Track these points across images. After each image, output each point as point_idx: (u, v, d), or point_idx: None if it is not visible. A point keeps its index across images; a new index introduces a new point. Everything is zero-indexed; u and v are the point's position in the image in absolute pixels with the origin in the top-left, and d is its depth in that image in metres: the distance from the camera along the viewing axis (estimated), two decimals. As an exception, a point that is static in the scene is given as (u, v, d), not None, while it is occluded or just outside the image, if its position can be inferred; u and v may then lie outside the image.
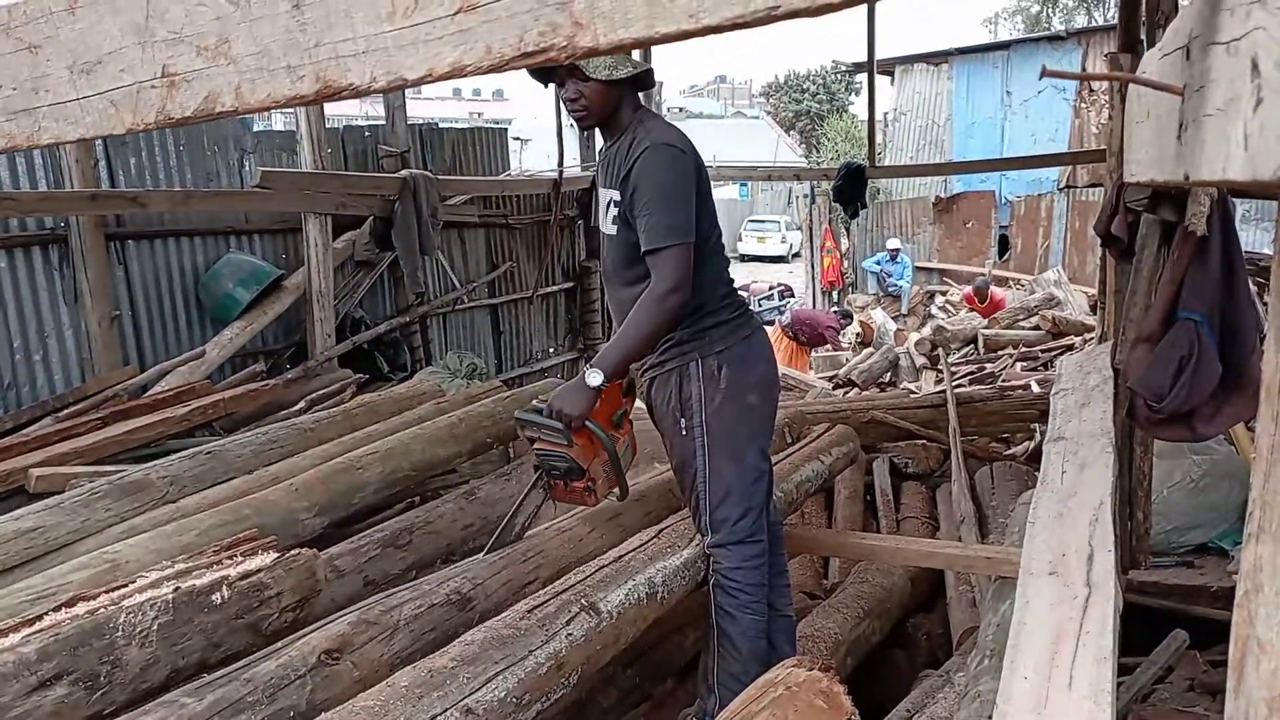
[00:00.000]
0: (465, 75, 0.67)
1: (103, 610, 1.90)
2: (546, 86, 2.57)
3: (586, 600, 2.19)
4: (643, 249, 2.44)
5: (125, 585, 2.01)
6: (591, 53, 0.64)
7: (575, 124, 2.64)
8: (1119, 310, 3.65)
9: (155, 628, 1.89)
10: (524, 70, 2.30)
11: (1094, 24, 24.00)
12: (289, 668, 1.77)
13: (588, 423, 2.41)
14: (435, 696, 1.69)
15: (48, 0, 0.78)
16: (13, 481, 3.93)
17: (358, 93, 0.69)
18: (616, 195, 2.51)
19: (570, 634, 2.07)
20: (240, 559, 2.18)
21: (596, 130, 2.64)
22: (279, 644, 1.88)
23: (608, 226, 2.59)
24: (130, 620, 1.88)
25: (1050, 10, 32.80)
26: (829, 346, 12.44)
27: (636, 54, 2.68)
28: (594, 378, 2.38)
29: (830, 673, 1.93)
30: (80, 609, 1.92)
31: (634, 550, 2.53)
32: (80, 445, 4.24)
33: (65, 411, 4.78)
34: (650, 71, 2.57)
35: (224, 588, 2.03)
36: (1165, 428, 2.84)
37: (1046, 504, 2.66)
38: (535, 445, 2.49)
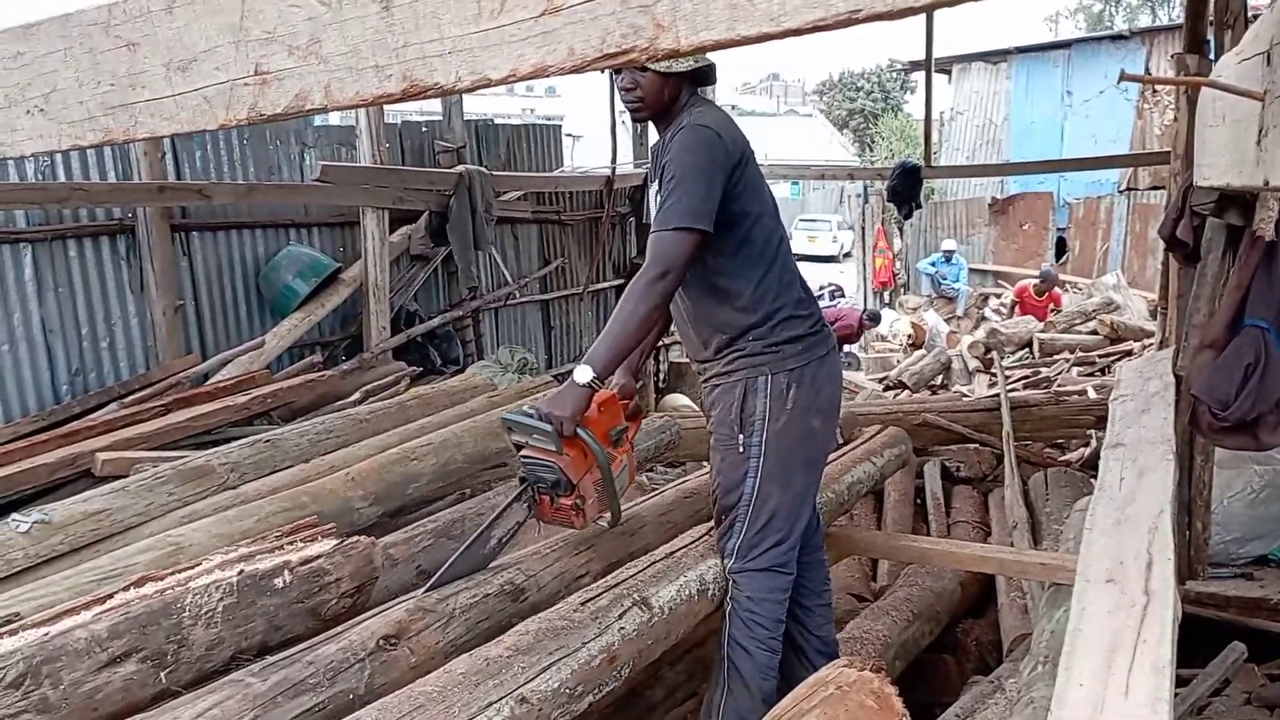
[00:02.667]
0: (548, 75, 0.68)
1: (170, 591, 1.96)
2: (603, 72, 2.52)
3: (639, 595, 2.20)
4: (651, 216, 2.33)
5: (192, 567, 2.07)
6: (672, 54, 0.65)
7: (629, 114, 2.53)
8: (1181, 316, 3.59)
9: (220, 609, 1.94)
10: None
11: (1158, 23, 23.50)
12: (349, 651, 1.81)
13: (581, 432, 2.22)
14: (491, 684, 1.72)
15: (146, 0, 0.82)
16: (79, 465, 4.05)
17: (443, 92, 0.71)
18: (658, 187, 2.40)
19: (623, 628, 2.08)
20: (301, 545, 2.23)
21: (651, 125, 2.55)
22: (339, 628, 1.92)
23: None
24: (197, 601, 1.93)
25: (1113, 8, 32.17)
26: (854, 345, 12.31)
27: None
28: (582, 374, 2.21)
29: (881, 674, 1.92)
30: (149, 589, 1.98)
31: (686, 547, 2.54)
32: (144, 431, 4.36)
33: (130, 398, 4.91)
34: (711, 67, 2.48)
35: (286, 572, 2.08)
36: (1229, 436, 2.79)
37: (1104, 510, 2.63)
38: (522, 453, 2.29)
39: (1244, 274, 2.67)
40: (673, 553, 2.48)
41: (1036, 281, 12.93)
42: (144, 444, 4.24)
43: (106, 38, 0.83)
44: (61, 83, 0.87)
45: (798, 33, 0.65)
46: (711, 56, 7.50)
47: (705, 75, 2.46)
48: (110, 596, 1.94)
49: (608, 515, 2.43)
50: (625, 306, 2.24)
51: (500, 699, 1.70)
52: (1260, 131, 0.78)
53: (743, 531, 2.47)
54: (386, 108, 6.18)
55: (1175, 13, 26.58)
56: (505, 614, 2.14)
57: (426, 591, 2.10)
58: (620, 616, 2.10)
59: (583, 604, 2.09)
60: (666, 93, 2.39)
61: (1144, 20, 27.61)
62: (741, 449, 2.45)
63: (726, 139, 2.32)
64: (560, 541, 2.44)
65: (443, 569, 2.19)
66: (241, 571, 2.04)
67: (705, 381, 2.59)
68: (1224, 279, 3.04)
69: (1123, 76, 1.34)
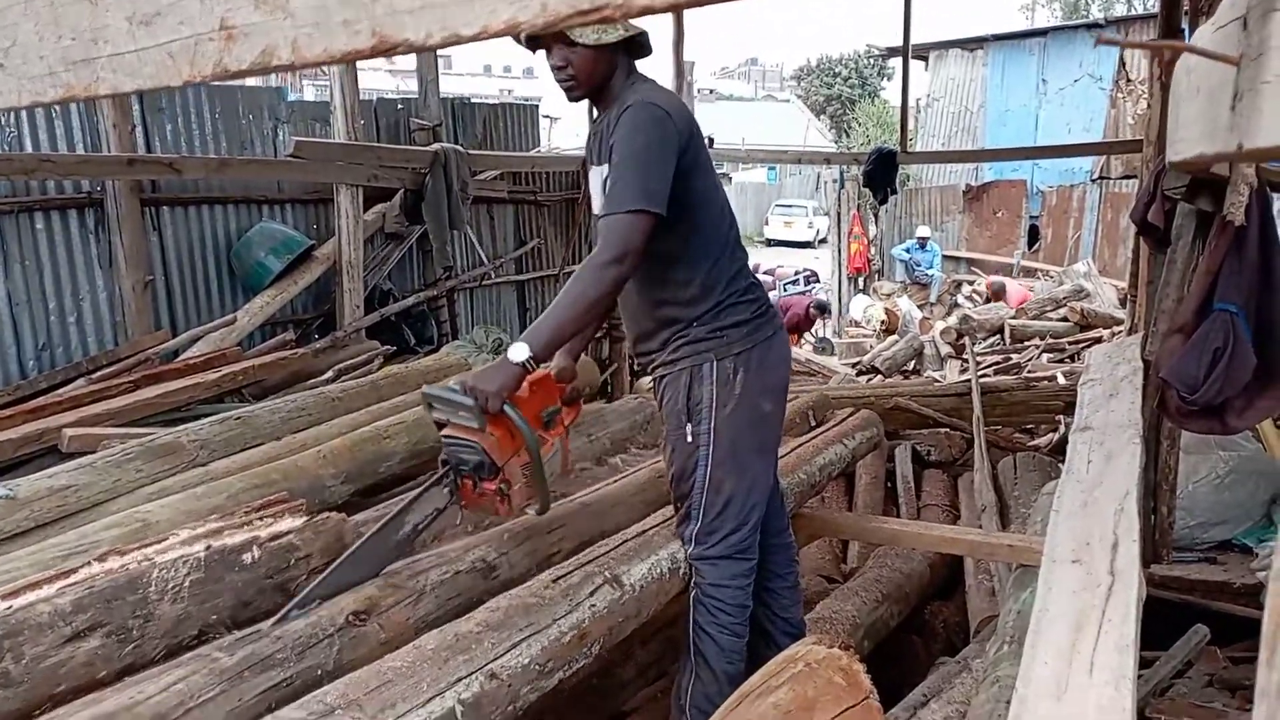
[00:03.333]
0: (520, 30, 0.67)
1: (136, 565, 1.94)
2: (535, 53, 2.30)
3: (610, 573, 2.20)
4: (597, 212, 2.21)
5: (158, 542, 2.05)
6: (647, 10, 0.64)
7: (565, 94, 2.34)
8: (1151, 302, 3.62)
9: (187, 584, 1.92)
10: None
11: (1134, 13, 23.67)
12: (318, 627, 1.80)
13: (508, 409, 2.06)
14: (461, 660, 1.72)
15: (109, -48, 0.80)
16: (46, 441, 4.00)
17: (412, 48, 0.70)
18: (607, 171, 2.27)
19: (593, 605, 2.09)
20: (271, 520, 2.21)
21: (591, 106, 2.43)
22: (308, 604, 1.91)
23: (599, 209, 2.33)
24: (163, 576, 1.91)
25: (1089, -2, 32.32)
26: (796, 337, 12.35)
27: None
28: (517, 351, 2.06)
29: (850, 651, 1.94)
30: (114, 564, 1.95)
31: (657, 526, 2.54)
32: (112, 407, 4.30)
33: (98, 374, 4.85)
34: (645, 36, 2.33)
35: (255, 548, 2.07)
36: (1196, 420, 2.82)
37: (1071, 493, 2.65)
38: (444, 432, 2.12)
39: (1214, 259, 2.69)
40: (644, 531, 2.49)
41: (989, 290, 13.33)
42: (112, 420, 4.19)
43: (67, -10, 0.81)
44: (22, 36, 0.85)
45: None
46: (689, 40, 7.29)
47: (640, 46, 2.34)
48: (74, 571, 1.92)
49: (536, 503, 2.25)
50: (574, 288, 2.13)
51: (469, 674, 1.70)
52: (1235, 96, 0.78)
53: (699, 518, 2.44)
54: (362, 85, 6.11)
55: (1151, 3, 26.75)
56: (476, 591, 2.14)
57: (321, 581, 1.92)
58: (591, 594, 2.10)
59: (554, 581, 2.09)
60: (601, 68, 2.27)
61: (1120, 10, 27.74)
62: (690, 438, 2.41)
63: (676, 118, 2.23)
64: (530, 520, 2.42)
65: (345, 554, 2.01)
66: (209, 546, 2.02)
67: (652, 372, 2.54)
68: (1194, 265, 3.07)
69: (1099, 41, 1.35)
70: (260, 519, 2.22)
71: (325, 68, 6.32)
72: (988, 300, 13.22)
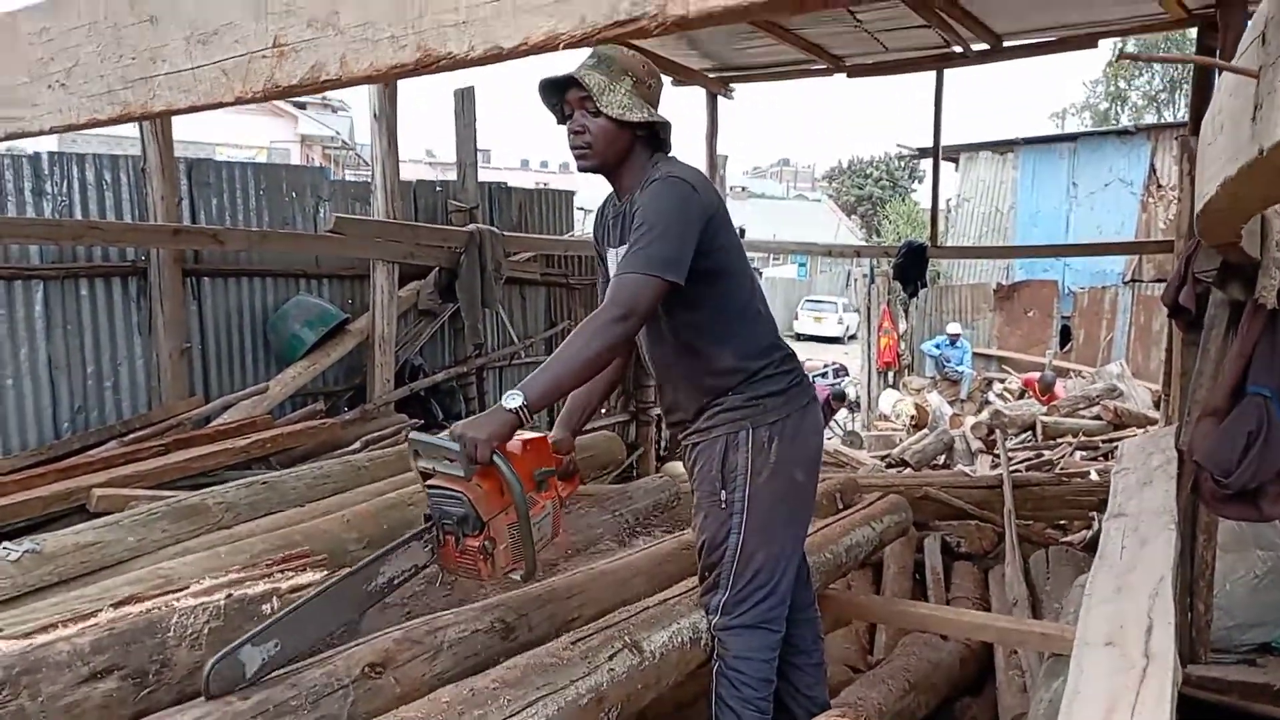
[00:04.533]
0: (559, 46, 0.70)
1: (156, 611, 1.94)
2: (561, 124, 2.32)
3: (630, 638, 2.17)
4: (614, 273, 2.19)
5: (180, 589, 2.05)
6: (682, 23, 0.67)
7: (575, 161, 2.33)
8: (1184, 392, 3.58)
9: (206, 631, 1.92)
10: (538, 90, 2.27)
11: (1164, 120, 23.96)
12: (333, 676, 1.78)
13: (497, 459, 1.96)
14: (476, 714, 1.69)
15: (170, -26, 0.84)
16: (75, 499, 4.03)
17: (455, 62, 0.73)
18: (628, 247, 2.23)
19: (612, 669, 2.05)
20: (292, 574, 2.21)
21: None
22: (325, 654, 1.89)
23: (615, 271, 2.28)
24: (182, 622, 1.91)
25: (1119, 108, 32.79)
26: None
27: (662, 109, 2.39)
28: (512, 399, 1.99)
29: (874, 725, 1.89)
30: (135, 608, 1.96)
31: (679, 595, 2.51)
32: (142, 469, 4.34)
33: (131, 436, 4.90)
34: (667, 127, 2.34)
35: (275, 598, 2.06)
36: (1230, 505, 2.76)
37: (1105, 578, 2.59)
38: (429, 483, 2.03)
39: (1246, 342, 2.68)
40: (666, 600, 2.46)
41: (1038, 378, 13.25)
42: (141, 482, 4.22)
43: (131, 12, 0.85)
44: (84, 57, 0.89)
45: (806, 7, 0.67)
46: (722, 136, 7.46)
47: (661, 136, 2.35)
48: (95, 614, 1.92)
49: (521, 568, 2.10)
50: (575, 341, 2.08)
51: (484, 730, 1.67)
52: (1255, 109, 0.79)
53: (728, 587, 2.40)
54: (402, 167, 6.27)
55: (1181, 113, 27.12)
56: (493, 651, 2.11)
57: (278, 620, 1.78)
58: (610, 658, 2.07)
59: (573, 643, 2.07)
60: (618, 145, 2.28)
61: (1149, 119, 28.11)
62: (724, 504, 2.38)
63: (702, 193, 2.24)
64: (551, 584, 2.41)
65: (311, 594, 1.88)
66: (229, 595, 2.02)
67: (685, 439, 2.52)
68: (1226, 355, 3.05)
69: (1121, 56, 1.37)
70: (281, 572, 2.22)
71: (369, 152, 6.52)
72: (1022, 395, 13.15)
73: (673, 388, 2.51)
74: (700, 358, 2.40)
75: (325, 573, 2.23)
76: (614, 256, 2.40)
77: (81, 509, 3.99)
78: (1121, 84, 32.41)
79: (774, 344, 2.47)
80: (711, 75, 7.87)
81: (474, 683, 1.80)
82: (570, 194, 8.73)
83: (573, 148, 2.30)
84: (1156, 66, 29.96)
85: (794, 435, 2.40)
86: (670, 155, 2.39)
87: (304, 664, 1.84)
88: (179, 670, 1.87)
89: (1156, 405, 10.66)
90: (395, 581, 2.00)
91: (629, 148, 2.30)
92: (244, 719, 1.61)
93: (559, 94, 2.28)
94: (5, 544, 3.18)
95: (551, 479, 2.20)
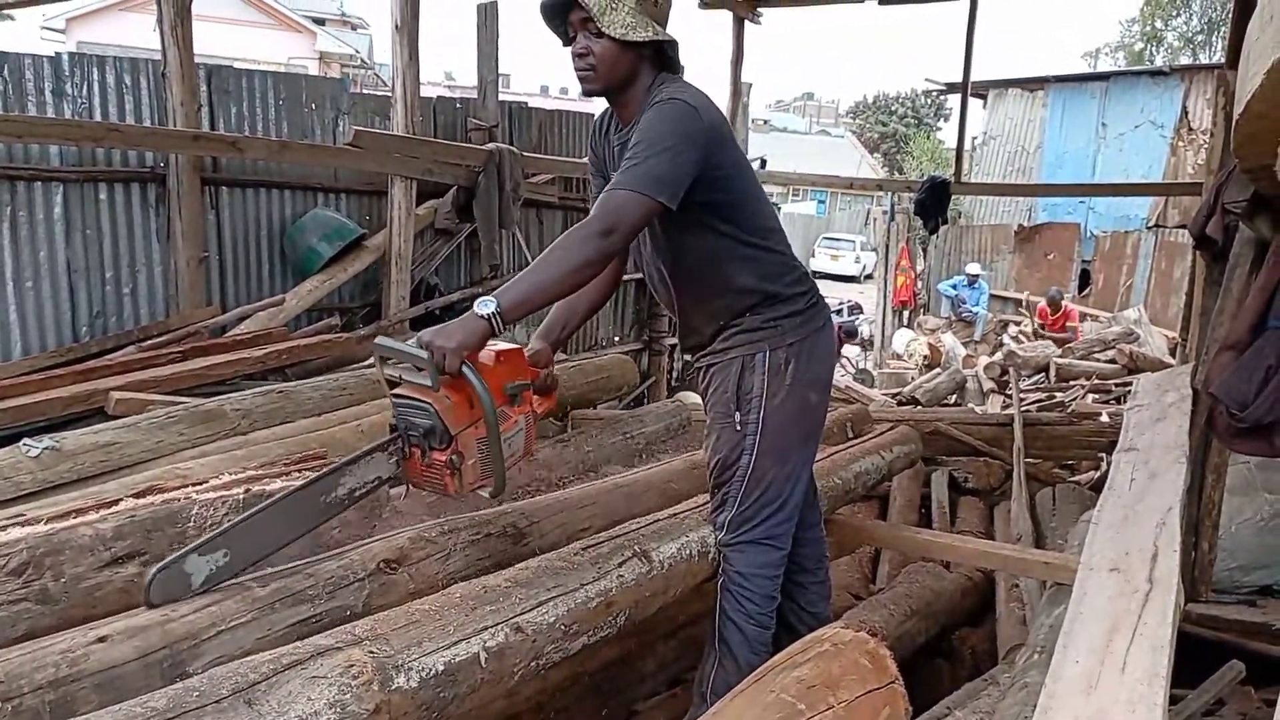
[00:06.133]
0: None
1: (176, 501, 1.97)
2: (566, 45, 2.24)
3: (639, 547, 2.20)
4: (605, 187, 2.11)
5: (199, 482, 2.08)
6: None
7: (580, 84, 2.25)
8: (1203, 330, 3.57)
9: (225, 523, 1.95)
10: (540, 12, 2.20)
11: (1199, 62, 23.41)
12: (349, 569, 1.82)
13: (467, 370, 1.87)
14: (488, 610, 1.73)
15: None
16: (94, 402, 4.08)
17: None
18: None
19: (621, 576, 2.09)
20: (308, 473, 2.23)
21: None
22: (341, 549, 1.93)
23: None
24: (202, 513, 1.95)
25: (1154, 49, 32.02)
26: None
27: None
28: (483, 304, 1.90)
29: (877, 637, 1.91)
30: (156, 498, 1.99)
31: (689, 510, 2.54)
32: (159, 375, 4.39)
33: (148, 343, 4.95)
34: (673, 45, 2.25)
35: (291, 495, 2.09)
36: (1244, 439, 2.76)
37: (1112, 508, 2.61)
38: (394, 392, 1.94)
39: (1270, 276, 2.65)
40: (676, 514, 2.48)
41: (1046, 299, 13.73)
42: (158, 388, 4.27)
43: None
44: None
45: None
46: (746, 66, 7.35)
47: (668, 55, 2.27)
48: (117, 501, 1.96)
49: (490, 484, 2.00)
50: (554, 252, 2.01)
51: (496, 625, 1.71)
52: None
53: (735, 505, 2.41)
54: (424, 84, 6.19)
55: (1216, 55, 26.47)
56: (505, 555, 2.15)
57: (226, 531, 1.70)
58: (620, 565, 2.11)
59: (583, 549, 2.10)
60: (622, 66, 2.20)
61: (1185, 60, 27.44)
62: (739, 426, 2.38)
63: (703, 113, 2.16)
64: (564, 494, 2.44)
65: (265, 503, 1.79)
66: (248, 489, 2.06)
67: (700, 361, 2.51)
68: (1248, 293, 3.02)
69: None
70: (298, 470, 2.26)
71: (388, 71, 6.43)
72: (1053, 307, 13.60)
73: (689, 310, 2.49)
74: (717, 279, 2.38)
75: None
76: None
77: (100, 411, 4.04)
78: (1158, 23, 31.59)
79: (791, 265, 2.45)
80: (739, -2, 7.71)
81: (486, 581, 1.84)
82: (590, 117, 8.62)
83: (577, 71, 2.22)
84: (1195, 5, 29.14)
85: (809, 357, 2.39)
86: (677, 76, 2.29)
87: (321, 557, 1.88)
88: (198, 559, 1.91)
89: (1172, 352, 10.62)
90: (356, 493, 1.88)
91: (634, 69, 2.22)
92: (262, 603, 1.65)
93: (561, 15, 2.21)
94: (26, 440, 3.23)
95: (526, 393, 2.10)
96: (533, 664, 1.77)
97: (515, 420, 2.04)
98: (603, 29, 2.13)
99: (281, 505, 1.77)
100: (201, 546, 1.65)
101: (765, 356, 2.36)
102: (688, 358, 2.51)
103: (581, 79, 2.23)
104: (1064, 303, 13.95)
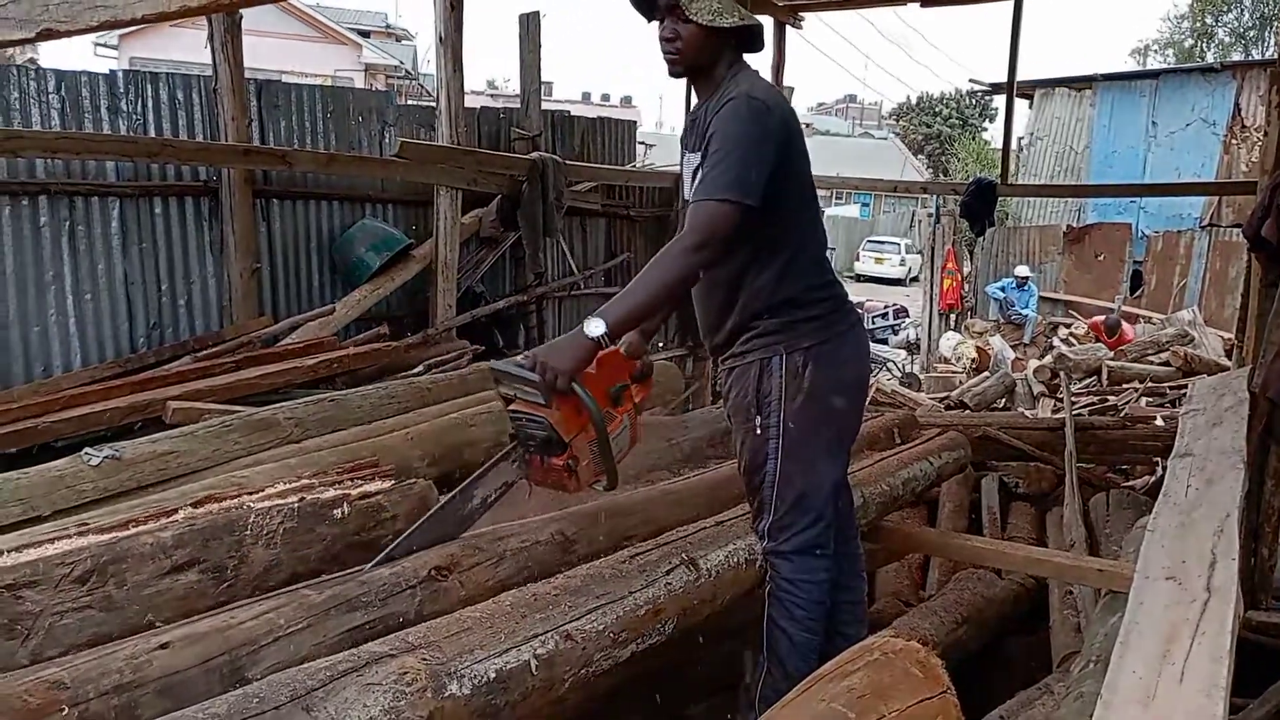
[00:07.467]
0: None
1: (234, 511, 2.02)
2: (650, 22, 2.32)
3: (687, 555, 2.21)
4: (691, 198, 2.19)
5: (255, 491, 2.13)
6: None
7: (667, 66, 2.33)
8: (1260, 334, 3.49)
9: (281, 531, 2.00)
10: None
11: (1251, 58, 22.88)
12: (401, 577, 1.85)
13: (576, 386, 2.02)
14: (538, 617, 1.74)
15: None
16: (151, 412, 4.18)
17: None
18: (699, 160, 2.25)
19: (669, 583, 2.09)
20: (361, 482, 2.28)
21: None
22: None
23: (691, 195, 2.29)
24: (259, 522, 1.98)
25: (1204, 45, 31.34)
26: None
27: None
28: (593, 327, 2.02)
29: (928, 647, 1.90)
30: (213, 507, 2.04)
31: (735, 518, 2.53)
32: (214, 384, 4.49)
33: (203, 353, 5.05)
34: (758, 30, 2.32)
35: (345, 504, 2.13)
36: (1304, 446, 2.70)
37: (1168, 515, 2.56)
38: (510, 408, 2.10)
39: (1330, 279, 2.59)
40: (722, 521, 2.49)
41: (1102, 320, 13.12)
42: (213, 397, 4.36)
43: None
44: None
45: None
46: (787, 71, 7.30)
47: (751, 38, 2.34)
48: (176, 510, 2.01)
49: (604, 479, 2.19)
50: (653, 271, 2.12)
51: (545, 632, 1.72)
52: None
53: (771, 512, 2.40)
54: (467, 93, 6.26)
55: (1269, 51, 25.86)
56: (554, 562, 2.17)
57: (398, 544, 1.97)
58: (668, 573, 2.11)
59: (631, 557, 2.11)
60: (708, 50, 2.27)
61: (1236, 57, 26.83)
62: (759, 430, 2.37)
63: (778, 112, 2.22)
64: (612, 501, 2.45)
65: (420, 520, 2.04)
66: (303, 499, 2.09)
67: (722, 363, 2.51)
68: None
69: None
70: (351, 480, 2.29)
71: (432, 82, 6.50)
72: (1109, 333, 12.91)
73: (710, 311, 2.48)
74: (740, 277, 2.37)
75: (392, 482, 2.29)
76: (687, 161, 2.40)
77: (157, 420, 4.13)
78: (1209, 19, 30.94)
79: (818, 267, 2.44)
80: (781, 4, 7.69)
81: (536, 589, 1.86)
82: (632, 124, 8.66)
83: (664, 54, 2.30)
84: (1246, 0, 28.50)
85: (831, 360, 2.37)
86: (749, 67, 2.37)
87: (374, 563, 1.90)
88: (255, 567, 1.95)
89: (1228, 354, 10.37)
90: (489, 500, 2.13)
91: (718, 52, 2.30)
92: (318, 610, 1.68)
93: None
94: (87, 449, 3.31)
95: (626, 391, 2.23)
96: (583, 671, 1.78)
97: (620, 420, 2.20)
98: (690, 15, 2.20)
99: (430, 521, 2.03)
100: (380, 561, 1.89)
101: (781, 360, 2.35)
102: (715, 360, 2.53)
103: (669, 62, 2.31)
104: (1121, 326, 13.07)
